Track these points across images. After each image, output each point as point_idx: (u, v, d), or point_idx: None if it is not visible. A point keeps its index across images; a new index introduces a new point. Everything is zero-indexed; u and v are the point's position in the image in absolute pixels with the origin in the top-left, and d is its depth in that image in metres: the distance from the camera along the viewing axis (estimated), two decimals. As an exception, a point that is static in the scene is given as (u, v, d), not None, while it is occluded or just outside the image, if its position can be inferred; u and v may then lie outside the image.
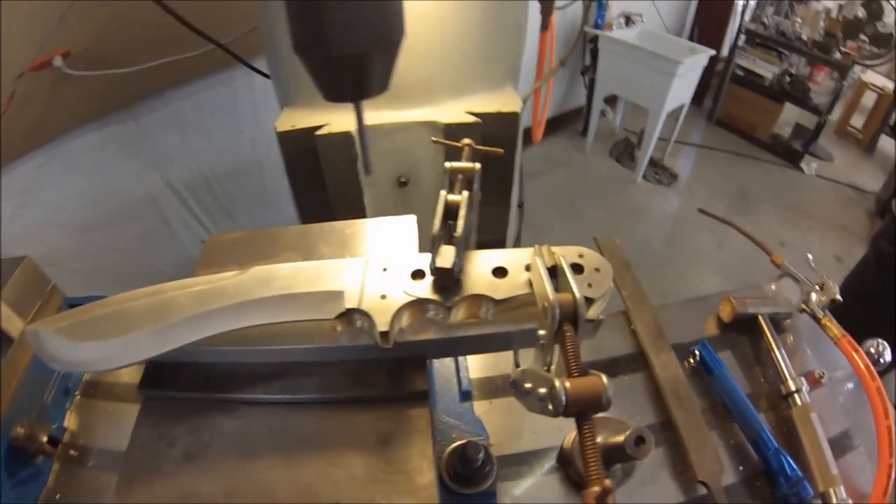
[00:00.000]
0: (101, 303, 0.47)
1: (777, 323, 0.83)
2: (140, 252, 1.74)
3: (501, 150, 0.60)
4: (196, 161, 1.77)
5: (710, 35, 3.48)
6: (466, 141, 0.59)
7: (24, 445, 0.60)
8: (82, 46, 1.24)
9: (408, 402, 0.48)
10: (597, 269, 0.47)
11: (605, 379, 0.34)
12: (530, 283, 0.46)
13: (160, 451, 0.44)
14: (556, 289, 0.41)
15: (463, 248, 0.46)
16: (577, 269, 0.47)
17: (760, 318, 0.81)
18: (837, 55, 3.02)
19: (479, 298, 0.46)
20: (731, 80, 3.50)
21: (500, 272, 0.48)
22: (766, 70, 3.33)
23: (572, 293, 0.40)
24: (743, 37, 3.35)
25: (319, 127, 0.79)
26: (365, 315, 0.45)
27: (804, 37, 3.14)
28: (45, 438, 0.63)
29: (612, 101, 3.34)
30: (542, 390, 0.36)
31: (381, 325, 0.44)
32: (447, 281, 0.46)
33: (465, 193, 0.50)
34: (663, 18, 3.38)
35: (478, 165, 0.54)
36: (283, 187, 0.91)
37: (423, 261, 0.49)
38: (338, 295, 0.46)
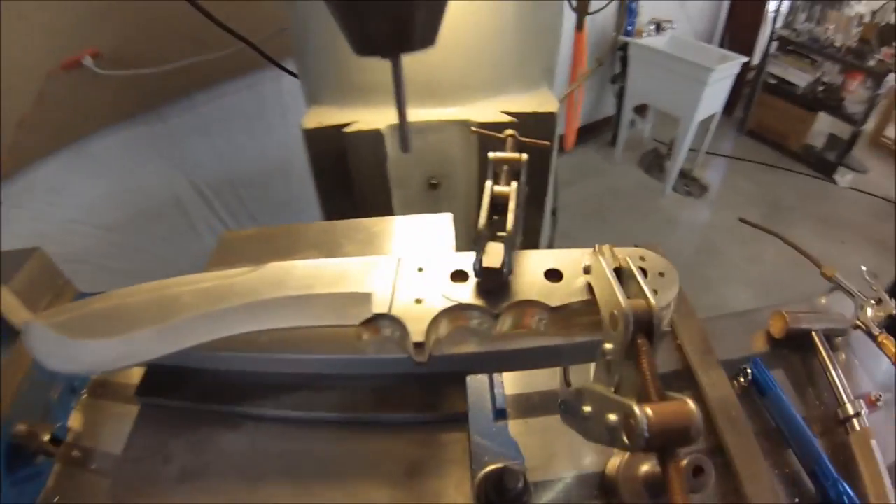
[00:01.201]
0: (101, 297, 0.43)
1: (829, 340, 0.77)
2: (165, 253, 1.74)
3: (548, 143, 0.55)
4: (222, 164, 1.77)
5: (741, 42, 3.39)
6: (510, 131, 0.55)
7: (25, 444, 0.57)
8: (112, 47, 1.25)
9: (442, 425, 0.42)
10: (661, 274, 0.42)
11: (692, 404, 0.29)
12: (589, 289, 0.41)
13: (154, 468, 0.40)
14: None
15: (512, 247, 0.41)
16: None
17: (814, 334, 0.75)
18: (872, 62, 2.91)
19: (530, 305, 0.41)
20: (763, 89, 3.40)
21: (553, 275, 0.42)
22: (799, 78, 3.22)
23: (647, 299, 0.34)
24: (775, 44, 3.26)
25: (348, 125, 0.76)
26: (396, 322, 0.40)
27: (837, 43, 3.04)
28: (47, 437, 0.59)
29: (641, 110, 3.28)
30: (612, 417, 0.30)
31: (416, 334, 0.39)
32: (494, 284, 0.41)
33: (514, 184, 0.44)
34: (694, 25, 3.30)
35: (525, 156, 0.48)
36: (309, 192, 0.89)
37: (465, 260, 0.44)
38: (364, 298, 0.41)
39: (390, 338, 0.42)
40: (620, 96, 3.12)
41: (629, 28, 2.83)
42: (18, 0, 1.07)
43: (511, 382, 0.68)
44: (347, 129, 0.76)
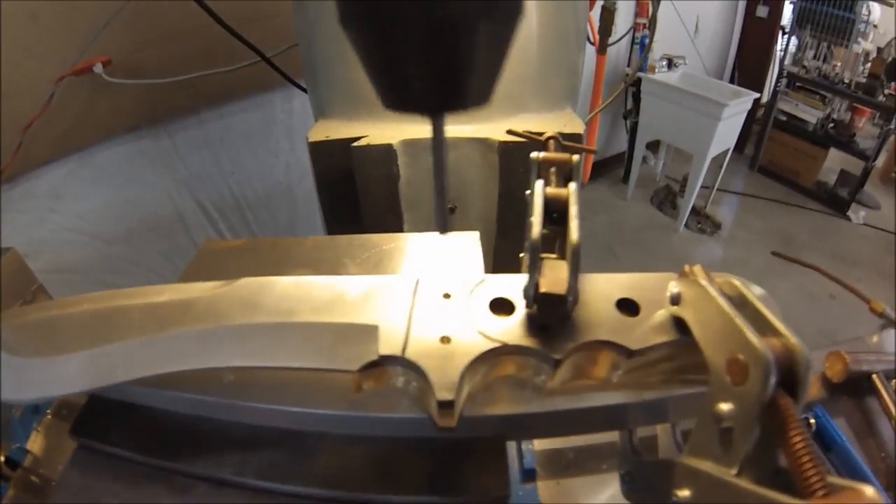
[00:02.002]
0: (41, 305, 0.35)
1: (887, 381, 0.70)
2: (163, 270, 1.69)
3: (594, 148, 0.48)
4: (227, 183, 1.74)
5: (750, 79, 3.41)
6: (551, 133, 0.46)
7: (-25, 465, 0.49)
8: (123, 56, 1.23)
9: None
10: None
11: (873, 493, 0.19)
12: (675, 325, 0.31)
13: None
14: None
15: (577, 267, 0.30)
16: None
17: (875, 377, 0.68)
18: (881, 97, 2.90)
19: (603, 348, 0.30)
20: (774, 126, 3.39)
21: (628, 306, 0.32)
22: (809, 115, 3.22)
23: (786, 339, 0.24)
24: (784, 80, 3.27)
25: (357, 139, 0.71)
26: (413, 369, 0.29)
27: (846, 79, 3.04)
28: (2, 458, 0.53)
29: (653, 147, 3.26)
30: None
31: (442, 388, 0.28)
32: (556, 317, 0.30)
33: (573, 185, 0.34)
34: (704, 62, 3.32)
35: (576, 157, 0.38)
36: (316, 217, 0.84)
37: (508, 285, 0.33)
38: (367, 332, 0.30)
39: (403, 390, 0.31)
40: (633, 132, 3.11)
41: (642, 63, 2.84)
42: (32, 0, 1.06)
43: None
44: (356, 144, 0.71)
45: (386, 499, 0.30)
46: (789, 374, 0.23)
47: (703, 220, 3.07)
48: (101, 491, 0.31)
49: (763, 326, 0.26)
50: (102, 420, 0.34)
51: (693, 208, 2.99)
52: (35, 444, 0.59)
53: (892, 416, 0.64)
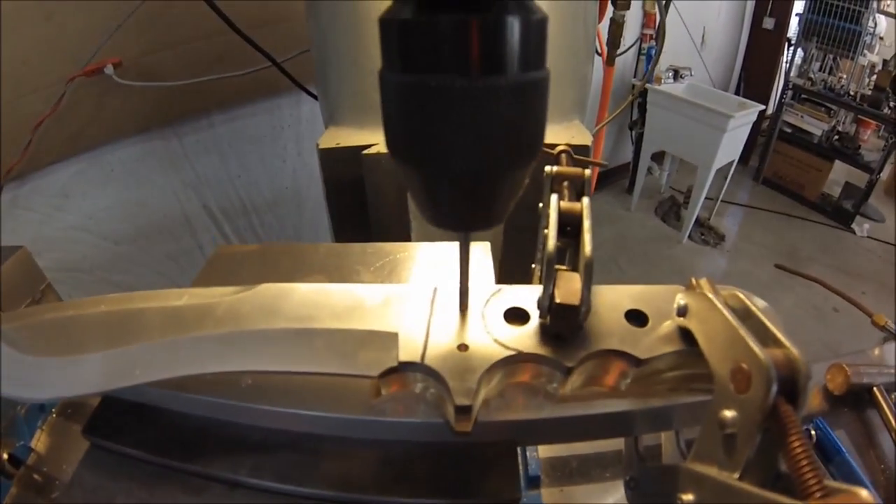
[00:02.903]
0: (57, 305, 0.36)
1: (888, 394, 0.70)
2: (170, 271, 1.70)
3: (605, 163, 0.49)
4: (235, 187, 1.75)
5: (756, 91, 3.42)
6: (563, 146, 0.48)
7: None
8: (134, 58, 1.25)
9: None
10: None
11: (868, 496, 0.21)
12: (682, 335, 0.32)
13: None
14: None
15: (590, 279, 0.32)
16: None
17: (876, 390, 0.68)
18: (886, 110, 2.90)
19: (613, 357, 0.32)
20: (779, 138, 3.40)
21: (637, 317, 0.33)
22: (815, 127, 3.22)
23: (787, 349, 0.25)
24: (790, 93, 3.27)
25: (367, 147, 0.72)
26: (432, 375, 0.30)
27: (851, 91, 3.04)
28: (5, 455, 0.52)
29: (658, 158, 3.27)
30: None
31: (460, 394, 0.29)
32: (569, 327, 0.32)
33: (586, 199, 0.36)
34: (710, 74, 3.33)
35: (588, 171, 0.40)
36: (322, 222, 0.85)
37: (521, 294, 0.35)
38: (387, 339, 0.31)
39: (421, 396, 0.32)
40: (638, 143, 3.12)
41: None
42: (47, 0, 1.07)
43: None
44: (366, 152, 0.72)
45: (398, 501, 0.30)
46: (790, 383, 0.24)
47: (706, 232, 3.08)
48: (114, 490, 0.31)
49: (766, 337, 0.27)
50: (116, 420, 0.35)
51: (697, 220, 2.99)
52: (39, 442, 0.59)
53: (893, 428, 0.64)
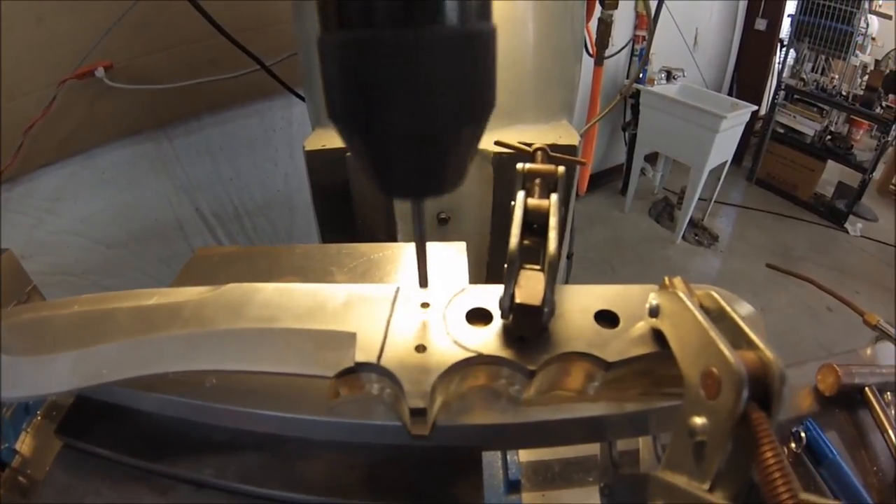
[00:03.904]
0: (33, 306, 0.36)
1: (881, 395, 0.70)
2: (161, 275, 1.69)
3: (584, 160, 0.48)
4: (226, 190, 1.75)
5: (749, 91, 3.43)
6: (540, 144, 0.46)
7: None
8: (125, 61, 1.25)
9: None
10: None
11: None
12: (655, 337, 0.31)
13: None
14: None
15: (554, 279, 0.31)
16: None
17: (868, 390, 0.68)
18: (879, 109, 2.92)
19: (579, 360, 0.30)
20: (772, 138, 3.41)
21: (607, 318, 0.32)
22: (808, 127, 3.24)
23: (761, 352, 0.24)
24: (782, 93, 3.28)
25: (354, 149, 0.72)
26: (387, 376, 0.30)
27: (844, 91, 3.06)
28: None
29: (652, 159, 3.28)
30: None
31: (414, 396, 0.28)
32: (531, 328, 0.31)
33: (554, 196, 0.35)
34: (703, 74, 3.34)
35: (561, 169, 0.39)
36: (313, 226, 0.85)
37: (487, 295, 0.34)
38: (345, 339, 0.30)
39: (378, 398, 0.31)
40: (631, 144, 3.13)
41: (641, 76, 2.86)
42: (38, 2, 1.07)
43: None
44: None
45: (364, 502, 0.30)
46: (763, 388, 0.23)
47: (700, 233, 3.08)
48: (84, 490, 0.31)
49: (740, 339, 0.26)
50: (88, 420, 0.35)
51: (691, 220, 3.00)
52: (24, 444, 0.58)
53: (885, 429, 0.64)
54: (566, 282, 1.46)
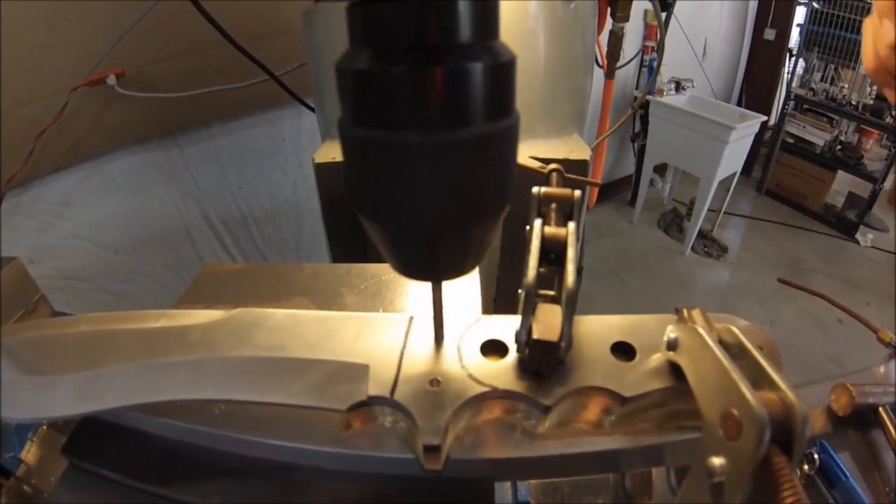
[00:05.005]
0: (38, 323, 0.35)
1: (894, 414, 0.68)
2: (169, 281, 1.70)
3: (598, 181, 0.48)
4: (235, 198, 1.75)
5: (758, 102, 3.42)
6: (554, 165, 0.45)
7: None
8: (137, 69, 1.25)
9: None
10: (759, 348, 0.32)
11: None
12: (672, 370, 0.30)
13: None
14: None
15: (572, 311, 0.30)
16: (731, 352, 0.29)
17: (882, 410, 0.66)
18: (889, 119, 2.89)
19: (596, 394, 0.30)
20: (781, 149, 3.39)
21: (623, 350, 0.32)
22: (817, 137, 3.22)
23: (783, 394, 0.23)
24: (792, 103, 3.27)
25: (365, 162, 0.72)
26: (401, 410, 0.29)
27: (853, 101, 3.03)
28: None
29: (660, 170, 3.27)
30: None
31: (428, 433, 0.28)
32: (548, 363, 0.30)
33: (571, 224, 0.34)
34: (712, 85, 3.33)
35: (578, 192, 0.38)
36: (321, 236, 0.84)
37: (502, 328, 0.33)
38: (357, 371, 0.30)
39: (390, 430, 0.31)
40: (640, 155, 3.12)
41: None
42: (51, 6, 1.08)
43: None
44: (363, 167, 0.71)
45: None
46: (785, 431, 0.22)
47: (709, 244, 3.06)
48: (87, 510, 0.30)
49: (761, 378, 0.25)
50: (95, 441, 0.35)
51: (700, 232, 2.99)
52: (29, 454, 0.58)
53: (900, 450, 0.62)
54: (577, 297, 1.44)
